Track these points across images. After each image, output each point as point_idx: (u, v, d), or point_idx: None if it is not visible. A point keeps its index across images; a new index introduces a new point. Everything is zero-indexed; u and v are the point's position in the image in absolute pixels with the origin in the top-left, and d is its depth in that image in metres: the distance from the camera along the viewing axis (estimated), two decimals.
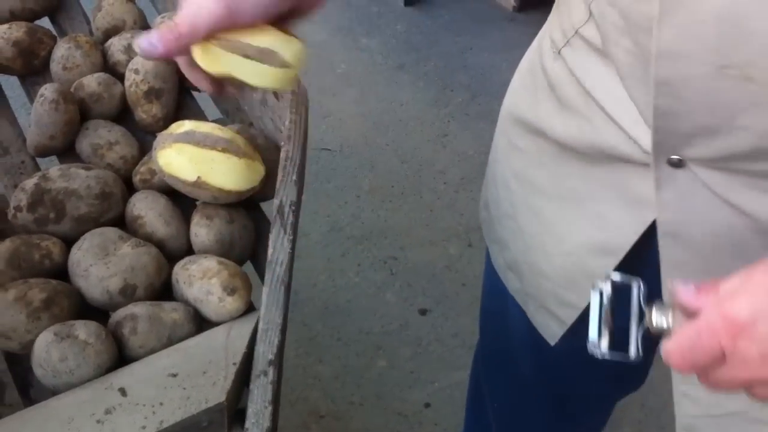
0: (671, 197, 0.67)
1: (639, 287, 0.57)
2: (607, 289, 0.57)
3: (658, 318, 0.54)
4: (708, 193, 0.65)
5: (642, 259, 0.74)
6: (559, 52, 0.75)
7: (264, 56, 0.64)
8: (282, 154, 0.70)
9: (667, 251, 0.71)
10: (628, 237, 0.73)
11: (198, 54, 0.65)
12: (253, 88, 0.71)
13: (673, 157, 0.64)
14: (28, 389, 0.70)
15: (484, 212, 0.97)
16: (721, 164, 0.62)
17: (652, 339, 0.55)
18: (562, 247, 0.80)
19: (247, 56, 0.63)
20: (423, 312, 1.80)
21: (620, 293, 0.58)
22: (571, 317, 0.83)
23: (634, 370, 1.02)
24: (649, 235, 0.71)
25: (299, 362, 1.67)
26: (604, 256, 0.76)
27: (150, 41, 0.62)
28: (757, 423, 0.74)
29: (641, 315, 0.55)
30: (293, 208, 0.68)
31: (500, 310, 1.01)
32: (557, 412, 1.10)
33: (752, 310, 0.49)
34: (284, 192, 0.69)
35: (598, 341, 0.56)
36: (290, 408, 1.60)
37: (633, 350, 0.55)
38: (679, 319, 0.54)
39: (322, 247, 1.90)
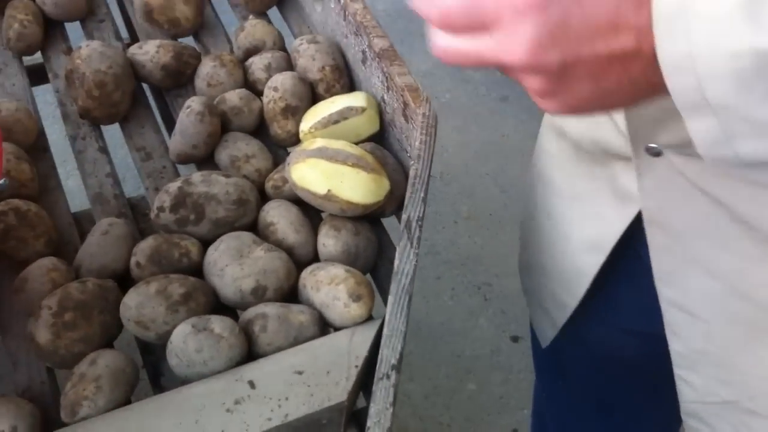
0: (651, 185, 0.68)
1: None
2: None
3: None
4: (684, 182, 0.65)
5: (634, 255, 0.76)
6: None
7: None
8: (411, 172, 0.74)
9: (653, 239, 0.72)
10: (615, 231, 0.75)
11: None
12: None
13: (650, 145, 0.65)
14: (158, 378, 0.75)
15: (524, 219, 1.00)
16: (693, 151, 0.63)
17: None
18: (567, 245, 0.82)
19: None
20: (515, 339, 1.82)
21: None
22: (562, 318, 0.85)
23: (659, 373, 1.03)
24: (639, 229, 0.73)
25: None
26: (594, 252, 0.78)
27: None
28: (749, 413, 0.74)
29: None
30: (420, 223, 0.72)
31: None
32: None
33: None
34: (412, 207, 0.73)
35: None
36: None
37: None
38: None
39: (418, 270, 1.94)
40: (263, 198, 0.84)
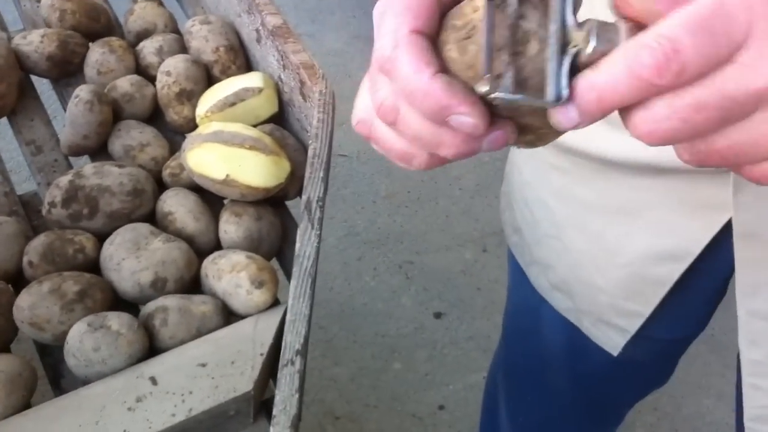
0: (749, 199, 0.66)
1: None
2: None
3: (599, 36, 0.33)
4: None
5: (707, 262, 0.74)
6: None
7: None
8: (309, 152, 0.72)
9: (742, 251, 0.70)
10: (698, 241, 0.73)
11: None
12: None
13: None
14: (59, 380, 0.72)
15: (514, 237, 0.95)
16: None
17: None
18: (616, 259, 0.79)
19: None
20: (438, 315, 1.82)
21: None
22: (635, 325, 0.83)
23: (664, 369, 1.04)
24: (716, 238, 0.71)
25: (315, 364, 1.69)
26: (670, 262, 0.76)
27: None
28: None
29: (565, 37, 0.34)
30: (320, 203, 0.70)
31: (533, 328, 1.02)
32: (587, 420, 1.11)
33: None
34: (312, 188, 0.71)
35: (495, 75, 0.34)
36: (306, 409, 1.62)
37: (552, 89, 0.34)
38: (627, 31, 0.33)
39: (338, 252, 1.93)
40: (161, 187, 0.82)
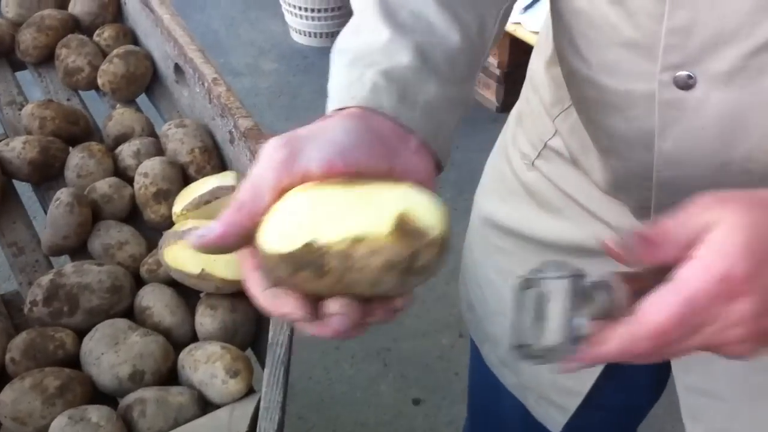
0: None
1: (577, 278, 0.47)
2: (543, 287, 0.47)
3: (607, 298, 0.46)
4: None
5: None
6: (532, 164, 0.80)
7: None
8: None
9: None
10: None
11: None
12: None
13: None
14: None
15: (468, 314, 0.99)
16: None
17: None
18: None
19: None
20: (417, 402, 1.83)
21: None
22: (574, 404, 0.86)
23: None
24: None
25: None
26: None
27: (207, 227, 0.45)
28: None
29: (577, 302, 0.46)
30: None
31: (492, 405, 1.04)
32: None
33: (753, 261, 0.43)
34: None
35: (529, 342, 0.47)
36: None
37: (564, 344, 0.46)
38: (624, 295, 0.46)
39: (316, 341, 1.94)
40: (139, 282, 0.85)
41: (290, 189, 0.43)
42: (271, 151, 0.44)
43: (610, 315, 0.46)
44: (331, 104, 0.50)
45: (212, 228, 0.44)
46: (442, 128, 0.50)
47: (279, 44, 3.06)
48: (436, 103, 0.50)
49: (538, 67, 0.79)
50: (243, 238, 0.44)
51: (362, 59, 0.50)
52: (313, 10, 2.89)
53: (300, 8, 2.90)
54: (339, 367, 1.89)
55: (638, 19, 0.55)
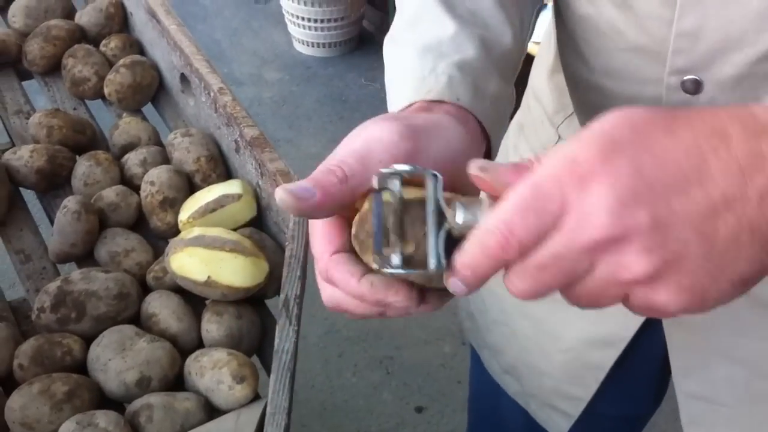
0: None
1: (435, 181, 0.41)
2: (395, 186, 0.42)
3: (464, 212, 0.40)
4: None
5: (641, 345, 0.79)
6: None
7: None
8: (287, 252, 0.77)
9: (672, 337, 0.75)
10: (629, 327, 0.77)
11: None
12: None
13: None
14: None
15: (468, 322, 1.00)
16: None
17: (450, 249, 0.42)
18: (559, 345, 0.84)
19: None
20: (419, 410, 1.84)
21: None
22: (578, 409, 0.87)
23: None
24: (648, 322, 0.76)
25: None
26: (604, 348, 0.80)
27: (302, 187, 0.41)
28: None
29: (439, 215, 0.41)
30: (298, 301, 0.75)
31: (494, 412, 1.05)
32: None
33: (608, 143, 0.37)
34: (289, 286, 0.75)
35: (387, 255, 0.41)
36: None
37: (432, 261, 0.40)
38: (489, 206, 0.40)
39: (319, 349, 1.95)
40: (146, 290, 0.86)
41: None
42: (396, 137, 0.42)
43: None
44: (403, 94, 0.49)
45: (309, 190, 0.41)
46: (501, 122, 0.51)
47: (282, 54, 3.08)
48: (499, 98, 0.50)
49: (539, 76, 0.80)
50: (334, 211, 0.42)
51: (431, 51, 0.50)
52: (315, 21, 2.90)
53: (303, 18, 2.92)
54: (341, 376, 1.89)
55: (646, 23, 0.55)
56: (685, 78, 0.55)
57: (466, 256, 0.39)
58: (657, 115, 0.38)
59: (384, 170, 0.41)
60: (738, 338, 0.70)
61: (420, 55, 0.50)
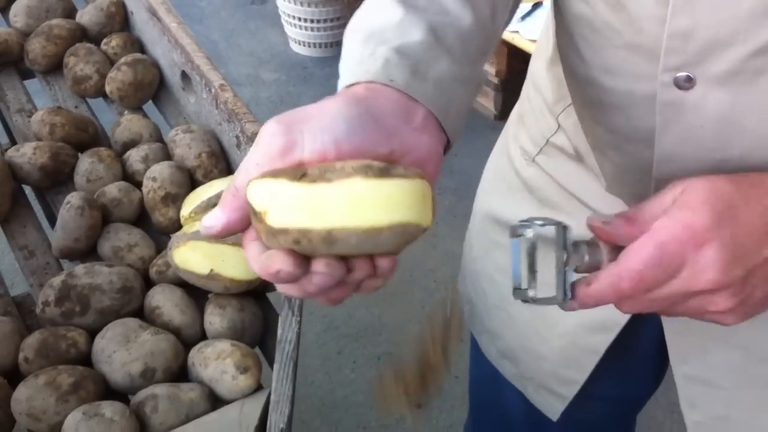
0: None
1: (563, 229, 0.54)
2: (530, 234, 0.54)
3: (590, 252, 0.54)
4: None
5: (637, 329, 0.80)
6: (533, 160, 0.83)
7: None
8: None
9: (668, 321, 0.76)
10: (624, 314, 0.78)
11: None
12: None
13: None
14: None
15: (467, 307, 1.01)
16: None
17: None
18: (556, 329, 0.85)
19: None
20: (418, 405, 1.85)
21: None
22: (572, 392, 0.88)
23: (624, 429, 1.08)
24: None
25: None
26: (600, 332, 0.81)
27: (212, 216, 0.48)
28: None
29: (566, 255, 0.53)
30: None
31: (493, 397, 1.06)
32: None
33: (713, 214, 0.50)
34: None
35: (527, 288, 0.54)
36: None
37: (560, 293, 0.53)
38: (605, 251, 0.54)
39: (318, 346, 1.96)
40: (148, 284, 0.87)
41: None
42: (268, 138, 0.46)
43: (594, 269, 0.53)
44: (343, 80, 0.51)
45: (217, 217, 0.47)
46: (453, 104, 0.52)
47: (278, 54, 3.09)
48: (447, 80, 0.52)
49: (539, 67, 0.81)
50: (246, 221, 0.47)
51: (375, 37, 0.52)
52: (312, 21, 2.91)
53: (299, 19, 2.93)
54: (341, 372, 1.90)
55: (640, 23, 0.57)
56: (677, 75, 0.56)
57: (595, 291, 0.52)
58: (739, 186, 0.51)
59: (521, 221, 0.54)
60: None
61: (364, 41, 0.52)
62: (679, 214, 0.50)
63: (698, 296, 0.51)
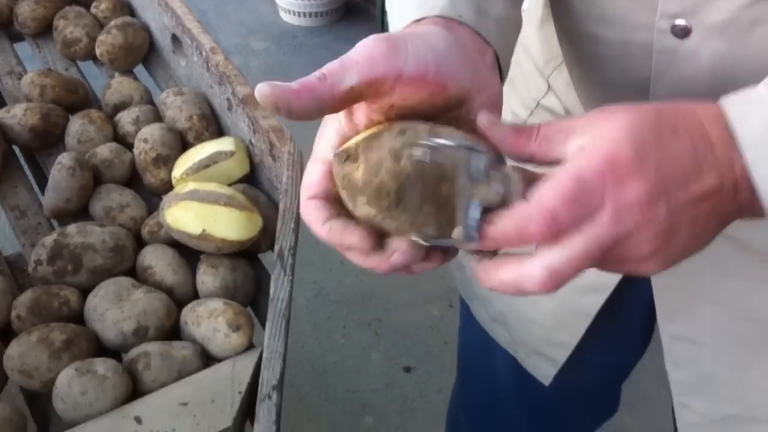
0: None
1: (467, 151, 0.45)
2: (418, 153, 0.44)
3: (504, 184, 0.45)
4: None
5: (627, 291, 0.81)
6: (524, 123, 0.84)
7: None
8: (281, 207, 0.79)
9: (657, 280, 0.77)
10: (615, 275, 0.79)
11: None
12: None
13: None
14: (47, 426, 0.77)
15: (458, 273, 1.03)
16: None
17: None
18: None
19: None
20: (407, 370, 1.87)
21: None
22: (564, 356, 0.89)
23: (608, 395, 1.10)
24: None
25: (288, 422, 1.72)
26: (591, 293, 0.83)
27: (277, 84, 0.43)
28: (752, 422, 0.79)
29: (471, 185, 0.45)
30: (292, 252, 0.76)
31: (483, 362, 1.08)
32: None
33: (637, 147, 0.43)
34: (284, 238, 0.77)
35: (419, 227, 0.45)
36: None
37: (463, 233, 0.44)
38: (519, 184, 0.45)
39: (308, 312, 1.98)
40: (140, 245, 0.87)
41: (379, 84, 0.44)
42: (371, 41, 0.44)
43: (505, 205, 0.45)
44: (407, 15, 0.51)
45: (287, 84, 0.43)
46: (508, 47, 0.52)
47: (268, 24, 3.07)
48: (504, 20, 0.52)
49: (529, 30, 0.82)
50: (312, 108, 0.43)
51: None
52: None
53: None
54: (330, 338, 1.92)
55: None
56: (675, 22, 0.56)
57: (499, 232, 0.44)
58: (663, 116, 0.45)
59: (422, 142, 0.44)
60: (723, 280, 0.73)
61: None
62: (600, 146, 0.43)
63: (618, 241, 0.44)
